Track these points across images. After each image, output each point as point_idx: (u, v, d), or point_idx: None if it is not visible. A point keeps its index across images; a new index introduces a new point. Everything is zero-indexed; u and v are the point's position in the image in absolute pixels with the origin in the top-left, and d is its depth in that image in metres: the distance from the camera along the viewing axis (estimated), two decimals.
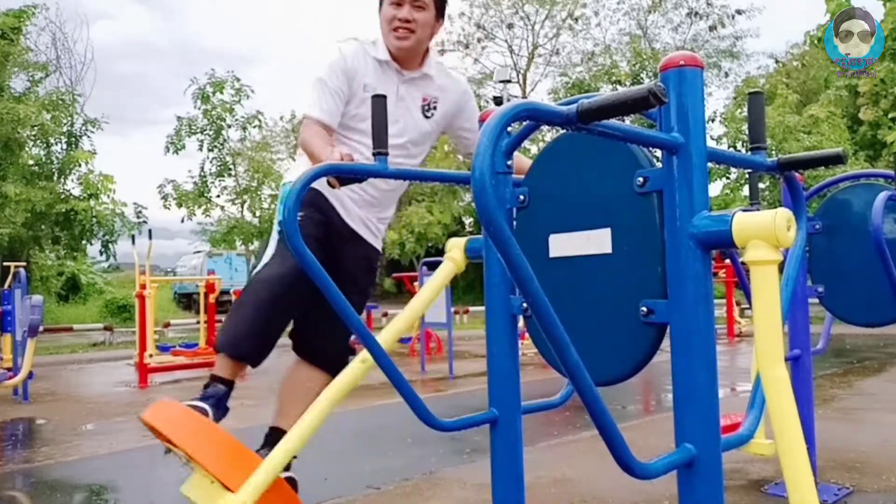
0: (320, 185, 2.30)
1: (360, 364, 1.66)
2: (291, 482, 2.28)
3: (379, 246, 2.61)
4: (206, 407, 2.14)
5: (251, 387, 7.41)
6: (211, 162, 18.45)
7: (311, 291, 1.91)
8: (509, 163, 1.54)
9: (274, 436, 2.33)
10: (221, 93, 17.99)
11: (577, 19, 22.87)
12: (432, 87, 2.50)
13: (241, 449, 1.71)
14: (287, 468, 2.21)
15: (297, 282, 2.15)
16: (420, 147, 2.55)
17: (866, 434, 4.23)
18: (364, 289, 2.57)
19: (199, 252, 25.10)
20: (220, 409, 2.22)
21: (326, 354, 2.45)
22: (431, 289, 1.76)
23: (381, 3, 2.45)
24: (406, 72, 2.44)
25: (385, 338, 1.65)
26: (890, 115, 17.40)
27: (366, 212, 2.51)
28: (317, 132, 2.30)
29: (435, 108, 2.51)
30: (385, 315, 15.58)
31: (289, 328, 2.48)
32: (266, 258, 2.37)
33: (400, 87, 2.44)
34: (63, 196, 16.37)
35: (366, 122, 2.22)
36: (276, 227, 2.46)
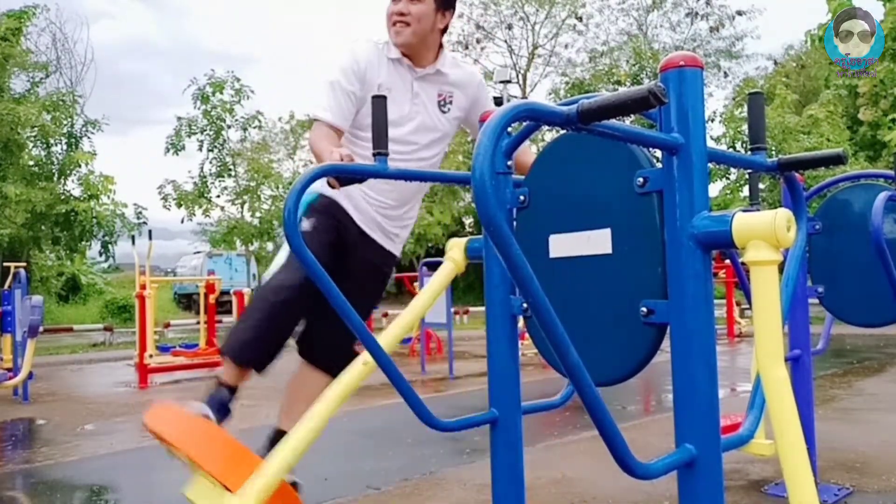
0: (339, 192, 2.32)
1: (361, 366, 1.65)
2: (294, 486, 2.28)
3: (396, 251, 2.56)
4: (209, 410, 2.14)
5: (251, 387, 7.40)
6: (211, 162, 18.45)
7: (318, 298, 1.88)
8: (509, 163, 1.54)
9: (277, 438, 2.34)
10: (221, 93, 17.98)
11: (580, 18, 22.85)
12: (447, 82, 2.49)
13: (243, 452, 1.71)
14: (291, 472, 2.21)
15: (305, 290, 2.15)
16: (438, 145, 2.53)
17: (866, 434, 4.23)
18: (371, 294, 2.54)
19: (198, 252, 25.08)
20: (223, 413, 2.24)
21: (331, 358, 2.43)
22: (433, 289, 1.76)
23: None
24: (419, 69, 2.43)
25: (387, 340, 1.65)
26: (890, 116, 17.39)
27: (382, 215, 2.47)
28: (325, 133, 2.28)
29: (451, 102, 2.50)
30: (385, 315, 15.56)
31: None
32: (276, 266, 2.36)
33: (414, 84, 2.43)
34: (63, 197, 16.37)
35: None
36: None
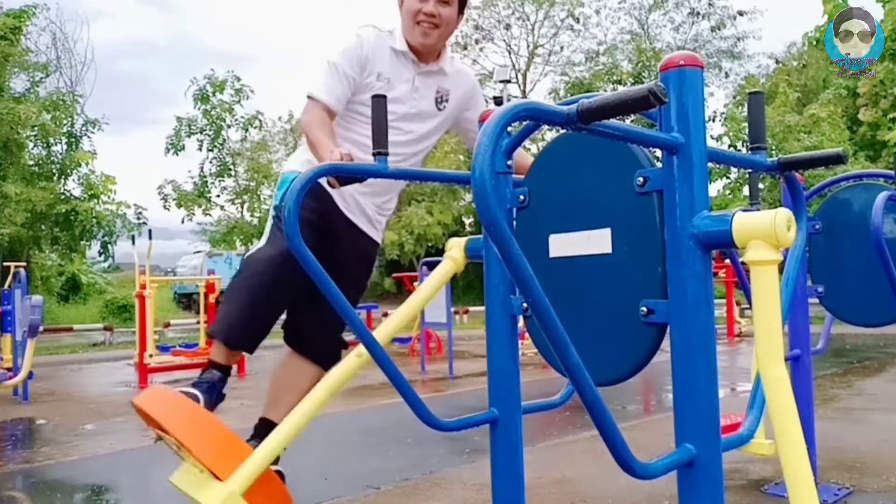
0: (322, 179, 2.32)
1: (355, 358, 1.65)
2: (280, 475, 2.27)
3: (378, 238, 2.59)
4: (198, 393, 2.13)
5: (251, 387, 7.41)
6: (211, 162, 18.48)
7: (305, 277, 1.77)
8: (509, 163, 1.54)
9: (264, 427, 2.33)
10: (222, 93, 18.00)
11: (577, 19, 22.84)
12: (446, 80, 2.52)
13: (232, 438, 1.66)
14: (276, 461, 2.15)
15: (289, 265, 2.08)
16: (428, 139, 2.56)
17: (866, 434, 4.23)
18: (358, 281, 2.56)
19: (198, 252, 25.08)
20: (214, 396, 2.22)
21: (318, 347, 2.44)
22: (430, 286, 1.77)
23: None
24: (423, 64, 2.46)
25: (381, 334, 1.65)
26: (889, 116, 17.39)
27: (365, 200, 2.48)
28: (319, 117, 2.28)
29: (447, 100, 2.53)
30: (385, 315, 15.56)
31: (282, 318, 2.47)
32: (261, 242, 2.36)
33: (416, 78, 2.46)
34: (63, 196, 16.38)
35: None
36: (271, 212, 2.43)
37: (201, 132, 18.13)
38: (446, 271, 1.78)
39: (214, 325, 2.29)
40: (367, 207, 2.50)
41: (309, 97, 2.35)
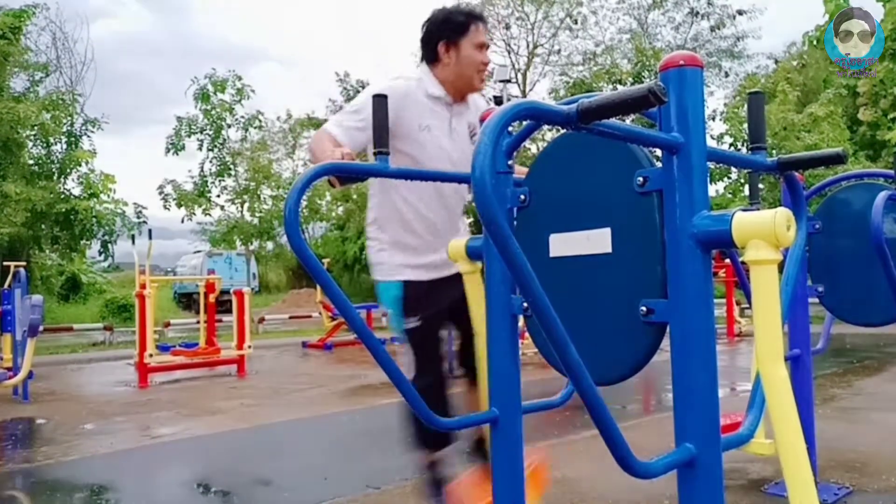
0: (402, 265, 2.45)
1: None
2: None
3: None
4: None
5: (251, 386, 7.42)
6: (211, 162, 18.48)
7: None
8: (510, 162, 1.54)
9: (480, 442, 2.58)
10: (223, 92, 18.00)
11: (576, 20, 22.83)
12: (471, 114, 2.57)
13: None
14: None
15: (442, 375, 2.44)
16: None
17: (866, 434, 4.23)
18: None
19: (198, 252, 25.08)
20: (442, 483, 2.51)
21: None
22: (477, 307, 1.74)
23: (450, 43, 2.44)
24: (455, 105, 2.50)
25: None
26: (889, 116, 17.39)
27: (434, 251, 2.48)
28: (327, 138, 2.28)
29: (475, 132, 2.58)
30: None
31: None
32: (408, 366, 2.44)
33: (452, 120, 2.50)
34: (63, 196, 16.38)
35: (422, 161, 2.37)
36: (399, 334, 2.46)
37: (201, 132, 18.14)
38: (476, 285, 1.76)
39: (420, 442, 2.53)
40: (442, 256, 2.48)
41: (321, 129, 2.37)
